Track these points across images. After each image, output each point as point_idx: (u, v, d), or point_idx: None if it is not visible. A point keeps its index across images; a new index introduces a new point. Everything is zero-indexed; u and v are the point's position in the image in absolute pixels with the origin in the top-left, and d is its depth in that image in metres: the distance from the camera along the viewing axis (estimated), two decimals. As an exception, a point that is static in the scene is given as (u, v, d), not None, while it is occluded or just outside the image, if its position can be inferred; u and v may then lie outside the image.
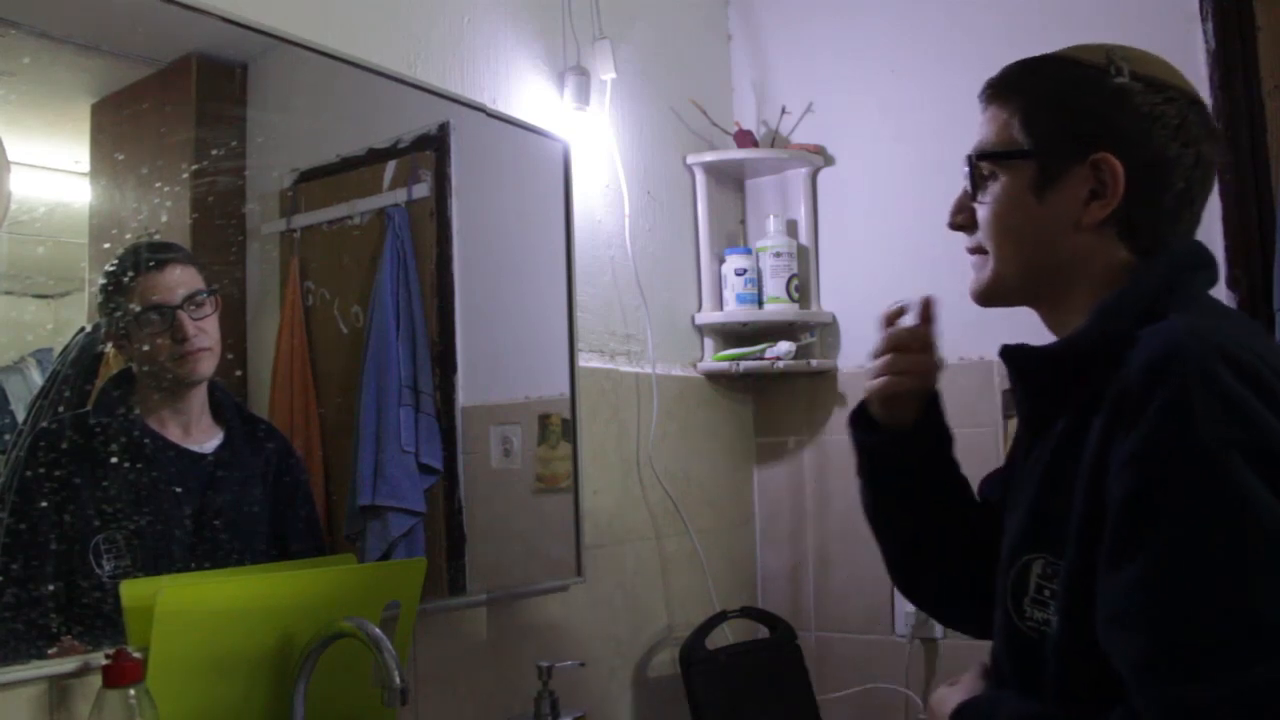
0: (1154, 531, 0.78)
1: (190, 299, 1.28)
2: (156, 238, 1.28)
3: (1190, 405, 0.79)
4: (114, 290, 1.23)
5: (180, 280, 1.28)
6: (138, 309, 1.25)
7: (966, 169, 1.02)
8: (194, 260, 1.31)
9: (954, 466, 1.19)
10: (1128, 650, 0.79)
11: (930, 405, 1.16)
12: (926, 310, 1.16)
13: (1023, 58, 1.02)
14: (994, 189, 1.00)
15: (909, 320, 1.16)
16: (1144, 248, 0.95)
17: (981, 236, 1.02)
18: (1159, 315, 0.88)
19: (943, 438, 1.17)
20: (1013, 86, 1.00)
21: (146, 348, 1.26)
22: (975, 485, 1.20)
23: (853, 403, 2.30)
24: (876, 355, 1.15)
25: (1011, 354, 0.98)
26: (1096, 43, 0.99)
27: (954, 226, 1.05)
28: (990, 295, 1.03)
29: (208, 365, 1.31)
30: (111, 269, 1.24)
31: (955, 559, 1.14)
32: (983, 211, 1.01)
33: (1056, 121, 0.97)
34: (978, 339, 2.07)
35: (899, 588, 1.25)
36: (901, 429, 1.15)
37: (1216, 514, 0.77)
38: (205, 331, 1.30)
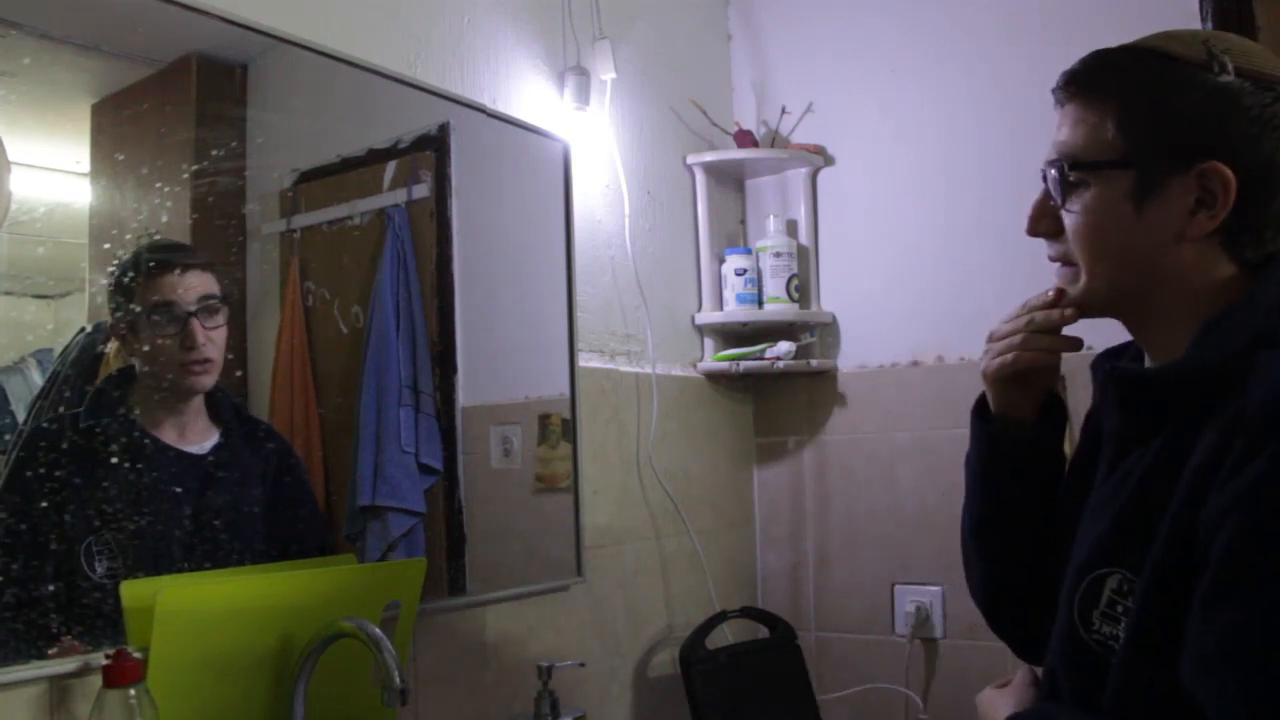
0: (1260, 577, 0.75)
1: (204, 304, 1.28)
2: (158, 237, 1.28)
3: None
4: (128, 283, 1.23)
5: (198, 286, 1.28)
6: (150, 305, 1.24)
7: (1053, 174, 0.94)
8: (213, 269, 1.31)
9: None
10: (1217, 697, 0.76)
11: (1054, 405, 1.09)
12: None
13: (1103, 47, 0.94)
14: (1085, 198, 0.92)
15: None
16: (1249, 258, 0.89)
17: (1072, 248, 0.95)
18: (1271, 338, 0.84)
19: (1059, 446, 1.10)
20: (1101, 85, 0.92)
21: (148, 348, 1.26)
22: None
23: (853, 403, 2.32)
24: (1000, 335, 1.06)
25: (1122, 378, 0.93)
26: (1188, 30, 0.92)
27: (1034, 233, 0.98)
28: (1086, 309, 0.97)
29: (209, 379, 1.30)
30: (128, 262, 1.23)
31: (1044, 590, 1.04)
32: (1072, 221, 0.94)
33: (1156, 127, 0.89)
34: (978, 339, 2.07)
35: (992, 617, 1.15)
36: (1023, 424, 1.08)
37: None
38: (214, 342, 1.29)
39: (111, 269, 1.23)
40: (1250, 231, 0.88)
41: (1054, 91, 0.96)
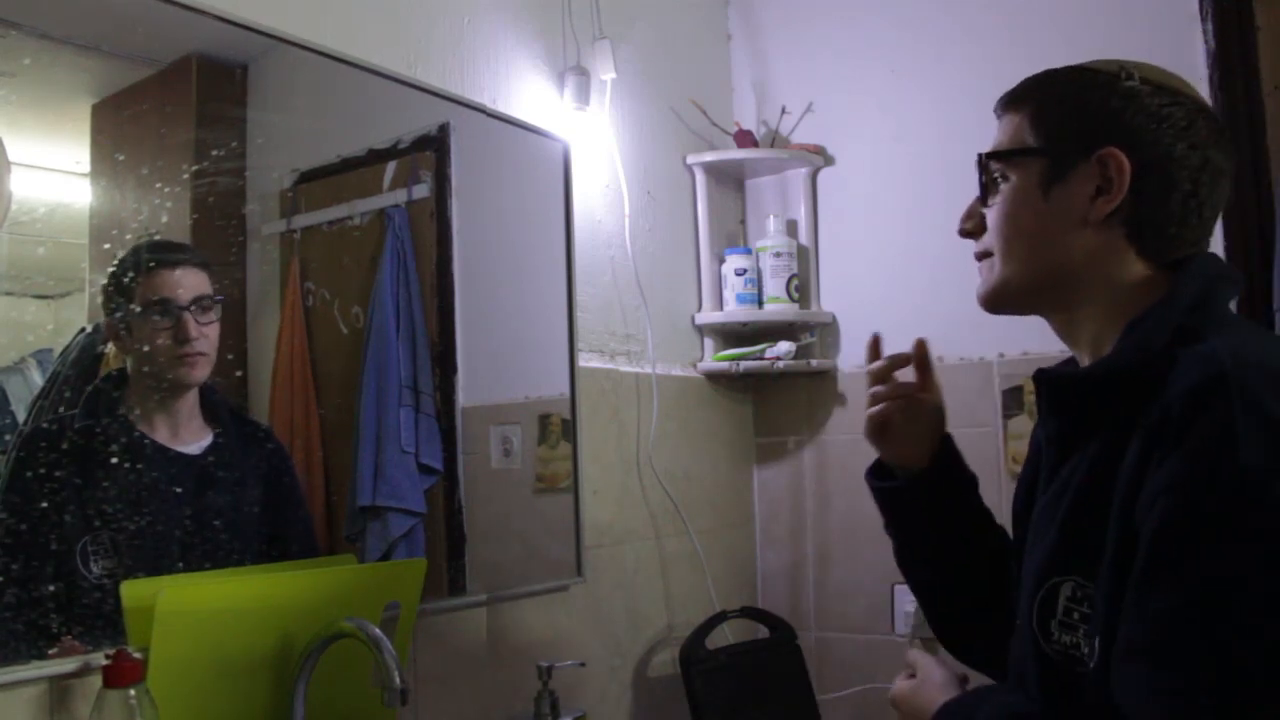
0: (1188, 562, 0.77)
1: (197, 301, 1.29)
2: (158, 238, 1.29)
3: (1234, 433, 0.77)
4: (122, 282, 1.24)
5: (191, 282, 1.29)
6: (144, 303, 1.25)
7: (978, 173, 1.02)
8: (208, 266, 1.32)
9: (978, 510, 1.19)
10: (1135, 682, 0.77)
11: (944, 449, 1.18)
12: (920, 354, 1.21)
13: (1053, 61, 1.02)
14: (1004, 190, 0.99)
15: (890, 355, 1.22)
16: (1154, 251, 0.94)
17: (990, 239, 1.01)
18: (1194, 332, 0.87)
19: (961, 480, 1.18)
20: (1025, 94, 1.01)
21: (145, 347, 1.26)
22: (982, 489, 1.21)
23: (853, 403, 2.32)
24: (868, 397, 1.19)
25: (1047, 379, 0.97)
26: (1112, 58, 0.99)
27: (964, 233, 1.05)
28: (997, 299, 1.02)
29: (202, 371, 1.31)
30: (122, 262, 1.24)
31: (995, 607, 1.11)
32: (991, 214, 1.01)
33: (1065, 120, 0.97)
34: (978, 339, 2.07)
35: (942, 641, 1.25)
36: (916, 472, 1.17)
37: (1256, 546, 0.75)
38: (206, 336, 1.30)
39: (111, 269, 1.23)
40: (1152, 226, 0.93)
41: (994, 111, 1.05)
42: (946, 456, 1.18)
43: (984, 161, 1.01)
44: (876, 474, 1.23)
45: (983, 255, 1.03)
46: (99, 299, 1.24)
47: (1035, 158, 0.97)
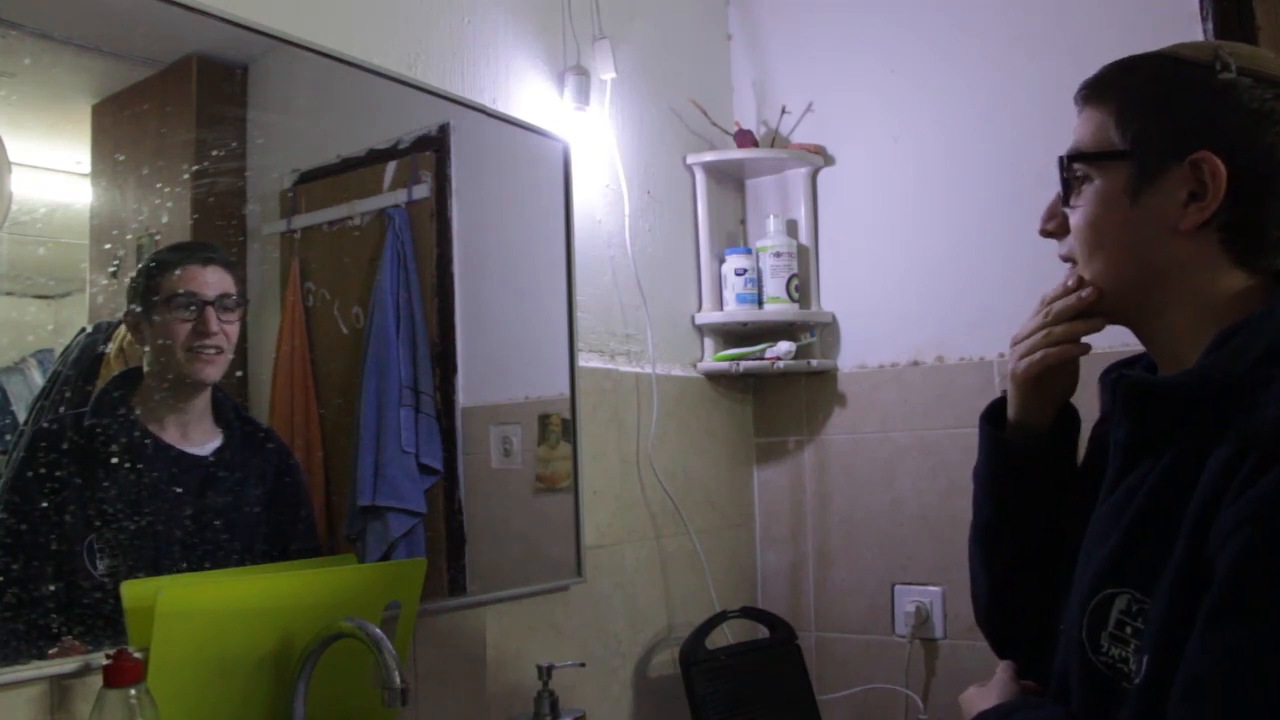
0: (1264, 598, 0.73)
1: (222, 299, 1.31)
2: (185, 240, 1.32)
3: None
4: (151, 274, 1.27)
5: (218, 280, 1.32)
6: (170, 295, 1.28)
7: (1060, 173, 0.96)
8: (235, 269, 1.35)
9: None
10: (1194, 717, 0.74)
11: (1068, 418, 1.07)
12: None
13: (1121, 57, 0.95)
14: (1087, 192, 0.93)
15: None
16: (1250, 259, 0.88)
17: (1072, 243, 0.95)
18: None
19: (1073, 457, 1.08)
20: (1110, 86, 0.94)
21: (164, 340, 1.27)
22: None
23: (853, 403, 2.32)
24: (1024, 334, 1.03)
25: (1128, 384, 0.90)
26: (1204, 40, 0.94)
27: (1045, 233, 0.99)
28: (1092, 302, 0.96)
29: (217, 369, 1.32)
30: (153, 255, 1.27)
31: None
32: (1074, 217, 0.95)
33: (1154, 119, 0.90)
34: (978, 339, 2.08)
35: (989, 638, 1.12)
36: (1038, 432, 1.05)
37: None
38: (226, 334, 1.32)
39: (141, 262, 1.26)
40: (1250, 231, 0.87)
41: (1074, 99, 0.97)
42: (1071, 427, 1.08)
43: (1067, 161, 0.95)
44: (992, 421, 1.09)
45: (1066, 259, 0.97)
46: (103, 299, 1.24)
47: (1122, 160, 0.90)
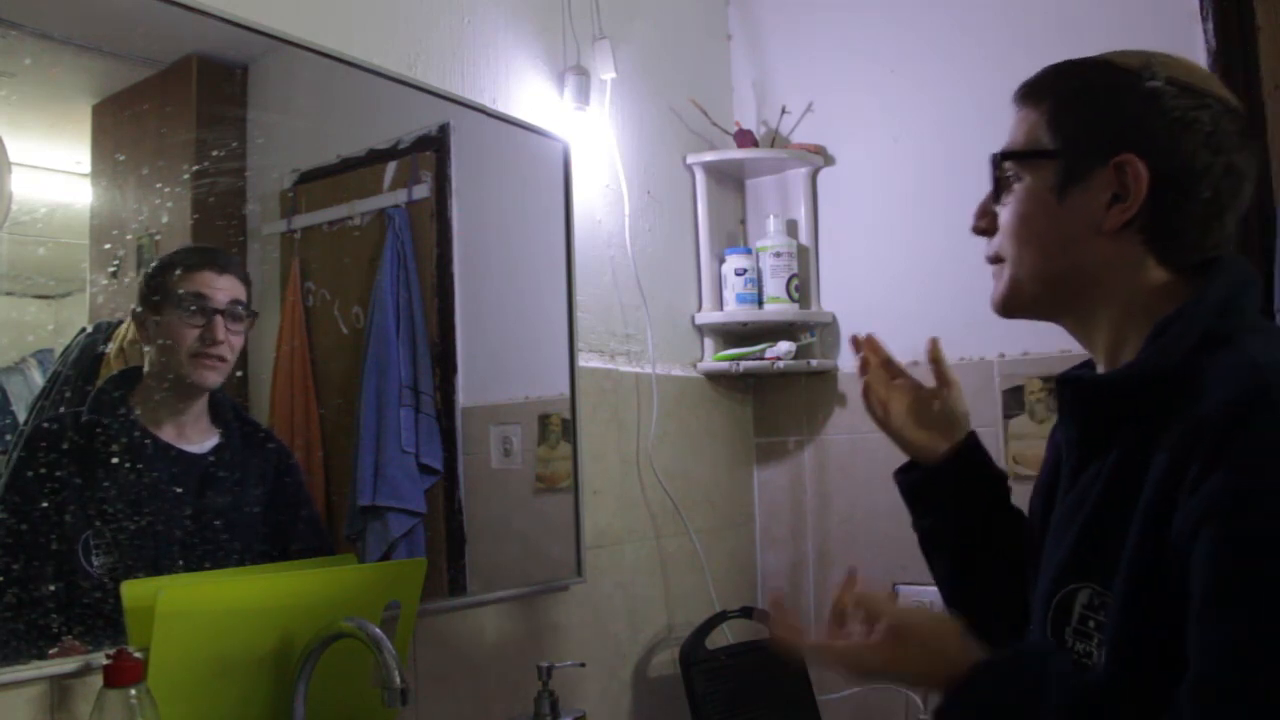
0: (1257, 588, 0.74)
1: (232, 307, 1.31)
2: (195, 245, 1.33)
3: None
4: (165, 274, 1.27)
5: (231, 289, 1.32)
6: (181, 297, 1.28)
7: (992, 171, 0.99)
8: (249, 282, 1.36)
9: (1001, 507, 1.17)
10: (1206, 714, 0.74)
11: (964, 444, 1.18)
12: (930, 354, 1.24)
13: (1058, 60, 0.99)
14: (1016, 190, 0.97)
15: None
16: (1172, 259, 0.91)
17: (1000, 240, 0.98)
18: (1222, 337, 0.85)
19: (984, 476, 1.17)
20: (1044, 88, 0.97)
21: (169, 341, 1.27)
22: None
23: (853, 402, 2.31)
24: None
25: (1070, 384, 0.95)
26: (1137, 49, 0.95)
27: (977, 231, 1.02)
28: (1009, 304, 0.99)
29: (218, 376, 1.33)
30: (169, 255, 1.28)
31: (1011, 609, 1.07)
32: (1003, 214, 0.98)
33: (1083, 122, 0.93)
34: (978, 339, 2.07)
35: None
36: (934, 464, 1.18)
37: None
38: (231, 345, 1.32)
39: (156, 261, 1.27)
40: (1171, 233, 0.91)
41: (1012, 100, 1.01)
42: (967, 451, 1.17)
43: (998, 159, 0.98)
44: (904, 469, 1.23)
45: (994, 259, 1.00)
46: (103, 300, 1.24)
47: (1051, 160, 0.94)
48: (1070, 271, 0.94)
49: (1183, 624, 0.78)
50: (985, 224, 1.01)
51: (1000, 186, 0.98)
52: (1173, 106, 0.89)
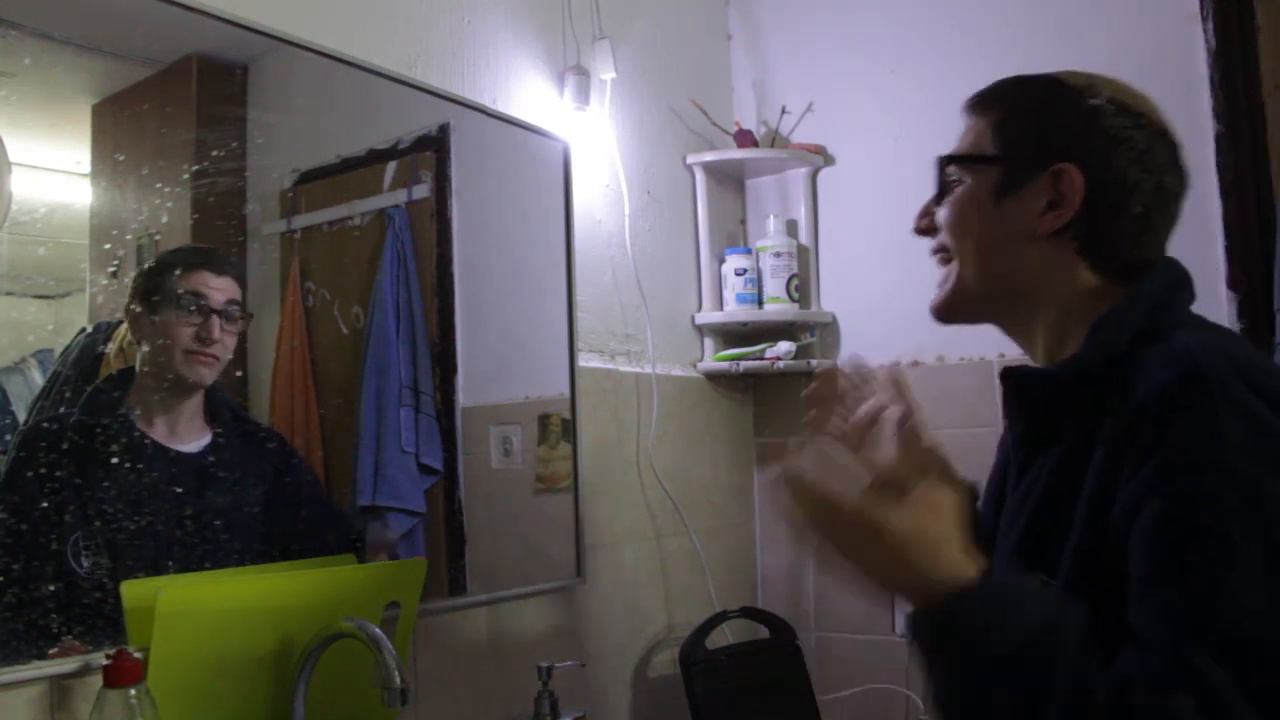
0: (1195, 556, 0.76)
1: (228, 307, 1.32)
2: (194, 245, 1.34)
3: (1219, 430, 0.78)
4: (162, 273, 1.28)
5: (228, 290, 1.33)
6: (178, 295, 1.29)
7: (936, 174, 1.04)
8: (244, 283, 1.36)
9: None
10: (1161, 637, 0.76)
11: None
12: (897, 386, 1.20)
13: (1055, 62, 1.03)
14: (957, 192, 1.01)
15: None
16: (1103, 265, 0.95)
17: (943, 239, 1.03)
18: (1155, 334, 0.88)
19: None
20: (993, 99, 1.02)
21: (165, 340, 1.27)
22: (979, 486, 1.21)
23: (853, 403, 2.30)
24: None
25: (1011, 376, 0.98)
26: (1086, 71, 1.00)
27: (918, 231, 1.06)
28: (952, 304, 1.04)
29: (211, 374, 1.33)
30: (167, 254, 1.29)
31: None
32: (943, 214, 1.03)
33: (1025, 131, 0.98)
34: (978, 339, 2.07)
35: None
36: None
37: (1260, 534, 0.75)
38: (225, 344, 1.32)
39: (153, 259, 1.27)
40: (1103, 241, 0.95)
41: (961, 110, 1.05)
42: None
43: (943, 162, 1.03)
44: None
45: (940, 250, 1.04)
46: (103, 299, 1.24)
47: (992, 165, 0.99)
48: (1005, 273, 0.98)
49: (1122, 607, 0.79)
50: (925, 224, 1.06)
51: (943, 190, 1.03)
52: (1111, 124, 0.94)
